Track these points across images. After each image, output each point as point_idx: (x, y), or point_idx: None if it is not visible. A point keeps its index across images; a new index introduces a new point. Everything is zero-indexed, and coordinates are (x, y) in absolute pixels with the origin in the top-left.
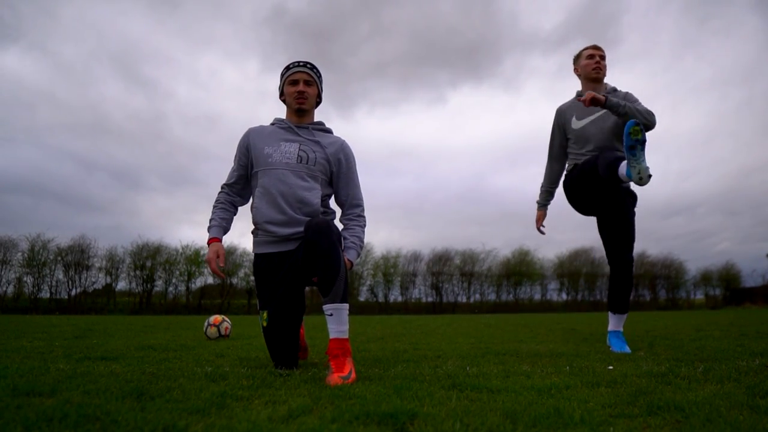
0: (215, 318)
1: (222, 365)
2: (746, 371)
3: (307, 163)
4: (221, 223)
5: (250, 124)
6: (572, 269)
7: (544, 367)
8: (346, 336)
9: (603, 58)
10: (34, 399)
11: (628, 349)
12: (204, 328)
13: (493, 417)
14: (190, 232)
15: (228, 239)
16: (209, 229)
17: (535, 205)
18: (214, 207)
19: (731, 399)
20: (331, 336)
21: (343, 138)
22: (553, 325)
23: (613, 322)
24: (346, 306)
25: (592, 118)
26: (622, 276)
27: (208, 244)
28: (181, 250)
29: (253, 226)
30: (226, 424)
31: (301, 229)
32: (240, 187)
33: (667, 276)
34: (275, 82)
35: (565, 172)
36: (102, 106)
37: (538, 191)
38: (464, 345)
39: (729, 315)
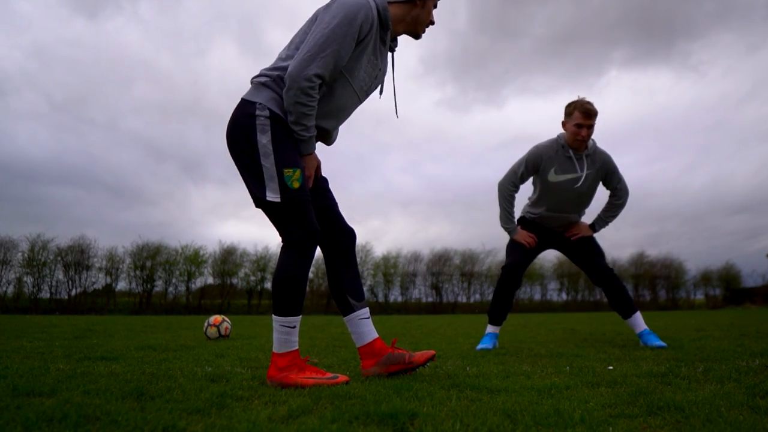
0: (215, 318)
1: (222, 365)
2: (746, 371)
3: None
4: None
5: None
6: (572, 269)
7: (544, 367)
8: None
9: (590, 127)
10: (34, 399)
11: (663, 343)
12: (204, 329)
13: (493, 417)
14: (232, 228)
15: (228, 239)
16: (310, 139)
17: (507, 233)
18: (311, 110)
19: (731, 399)
20: (375, 336)
21: None
22: (553, 325)
23: (637, 324)
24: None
25: (571, 176)
26: (614, 284)
27: (308, 156)
28: (180, 251)
29: (269, 79)
30: (226, 424)
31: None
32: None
33: (666, 276)
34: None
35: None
36: (203, 80)
37: (505, 218)
38: (464, 345)
39: (729, 315)
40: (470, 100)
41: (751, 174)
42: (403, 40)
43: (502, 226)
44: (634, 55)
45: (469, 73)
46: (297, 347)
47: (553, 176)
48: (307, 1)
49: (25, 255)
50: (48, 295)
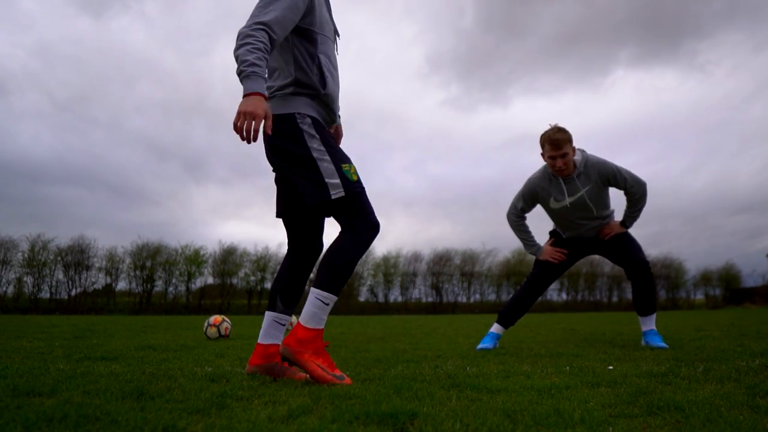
0: (215, 318)
1: (222, 365)
2: (746, 371)
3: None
4: (264, 74)
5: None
6: (572, 269)
7: (544, 367)
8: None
9: (565, 155)
10: (34, 399)
11: (664, 345)
12: (204, 329)
13: (493, 417)
14: (233, 228)
15: (228, 239)
16: (253, 75)
17: (532, 254)
18: (255, 48)
19: (731, 399)
20: (278, 341)
21: None
22: (553, 325)
23: (648, 323)
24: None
25: (571, 200)
26: (646, 280)
27: (251, 95)
28: (180, 251)
29: (289, 83)
30: (226, 424)
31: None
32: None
33: (666, 276)
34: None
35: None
36: (207, 79)
37: (525, 244)
38: (464, 345)
39: (729, 315)
40: (475, 100)
41: (754, 173)
42: (405, 41)
43: (526, 251)
44: (641, 54)
45: (474, 72)
46: (323, 327)
47: (554, 203)
48: None
49: (25, 255)
50: (48, 295)
